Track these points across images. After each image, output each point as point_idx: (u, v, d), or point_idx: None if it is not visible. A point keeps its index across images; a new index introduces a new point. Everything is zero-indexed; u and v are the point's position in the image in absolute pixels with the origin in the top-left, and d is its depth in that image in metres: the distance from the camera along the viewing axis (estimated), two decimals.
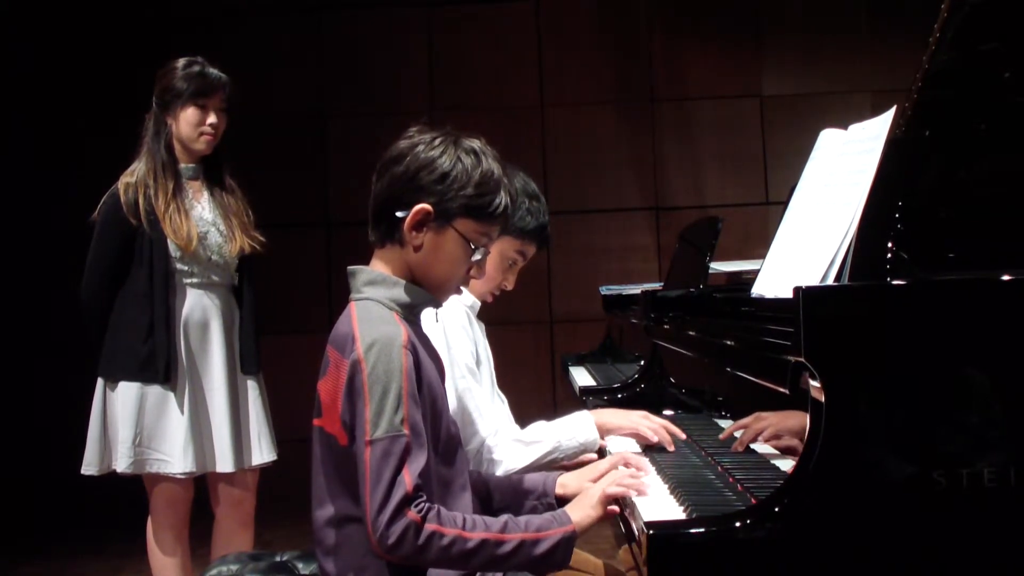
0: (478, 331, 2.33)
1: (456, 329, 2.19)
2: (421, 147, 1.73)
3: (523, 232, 2.26)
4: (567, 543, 1.63)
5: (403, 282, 1.74)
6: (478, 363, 2.26)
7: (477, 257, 1.76)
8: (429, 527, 1.57)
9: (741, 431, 1.82)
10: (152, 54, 3.42)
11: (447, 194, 1.71)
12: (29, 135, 5.82)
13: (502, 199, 1.75)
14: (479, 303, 2.36)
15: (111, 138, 3.40)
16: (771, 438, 1.72)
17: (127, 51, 5.64)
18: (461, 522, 1.60)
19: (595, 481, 1.82)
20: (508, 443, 2.16)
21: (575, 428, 2.18)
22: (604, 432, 2.18)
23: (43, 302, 5.51)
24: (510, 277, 2.35)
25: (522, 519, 1.65)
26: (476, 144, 1.76)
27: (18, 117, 5.79)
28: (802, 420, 1.44)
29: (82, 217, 3.04)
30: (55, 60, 5.88)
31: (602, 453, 2.16)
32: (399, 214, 1.72)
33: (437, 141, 1.73)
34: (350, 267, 1.78)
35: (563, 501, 1.81)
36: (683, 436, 2.06)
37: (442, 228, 1.73)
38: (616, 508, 1.68)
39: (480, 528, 1.61)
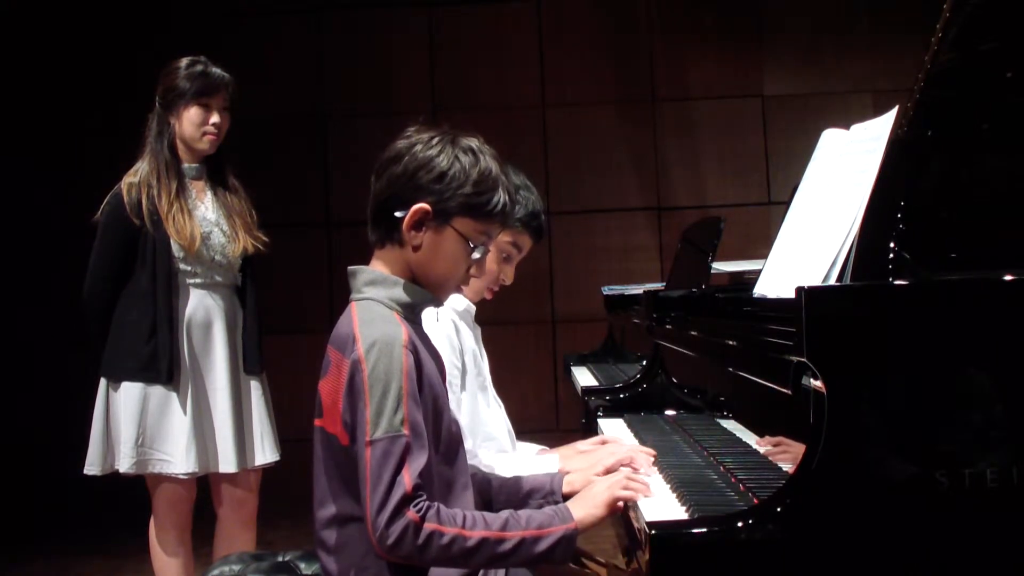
0: (469, 337, 2.29)
1: (440, 340, 2.14)
2: (419, 146, 1.73)
3: (514, 222, 2.20)
4: (568, 541, 1.63)
5: (403, 282, 1.74)
6: (464, 373, 2.22)
7: (477, 256, 1.76)
8: (428, 526, 1.57)
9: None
10: (152, 54, 3.42)
11: (445, 193, 1.71)
12: (29, 135, 5.81)
13: (500, 197, 1.74)
14: (474, 307, 2.32)
15: (111, 138, 3.40)
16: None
17: (127, 51, 5.65)
18: (461, 520, 1.60)
19: (600, 475, 1.83)
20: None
21: (537, 471, 2.08)
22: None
23: (44, 302, 5.51)
24: (507, 271, 2.30)
25: (523, 515, 1.65)
26: (474, 143, 1.75)
27: (18, 117, 5.79)
28: None
29: (83, 217, 3.04)
30: (55, 60, 5.87)
31: None
32: (398, 214, 1.72)
33: (435, 140, 1.73)
34: (350, 267, 1.79)
35: (570, 499, 1.81)
36: (653, 454, 1.96)
37: (441, 227, 1.73)
38: (621, 505, 1.68)
39: (480, 526, 1.61)
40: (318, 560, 1.78)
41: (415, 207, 1.71)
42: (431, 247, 1.73)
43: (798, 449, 1.53)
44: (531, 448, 2.34)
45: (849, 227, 1.62)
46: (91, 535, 5.08)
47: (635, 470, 1.84)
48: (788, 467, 1.60)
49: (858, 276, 1.56)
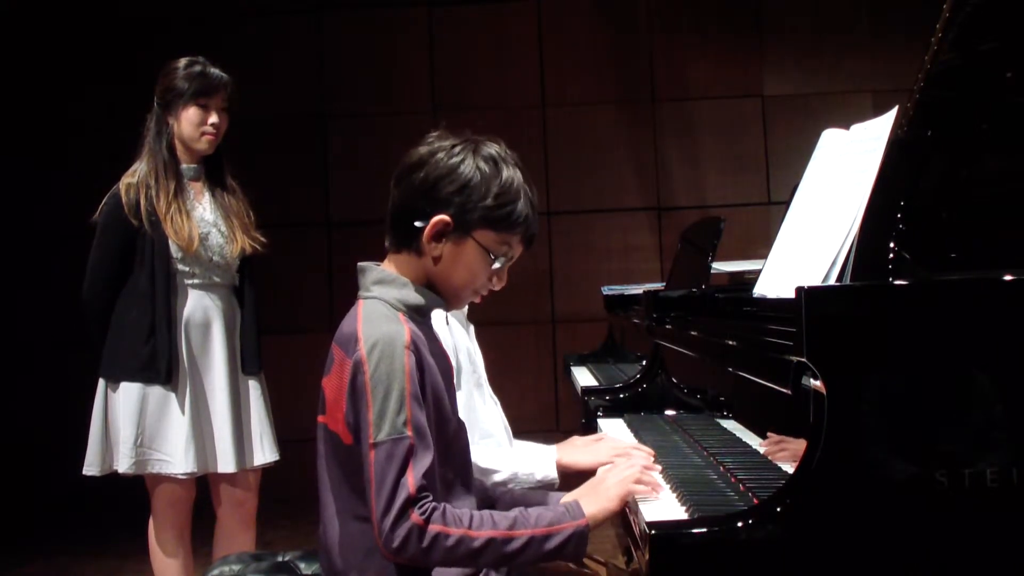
0: (462, 335, 2.29)
1: None
2: (441, 155, 1.71)
3: None
4: (580, 537, 1.62)
5: (412, 283, 1.73)
6: (459, 372, 2.23)
7: (497, 265, 1.75)
8: (433, 528, 1.56)
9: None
10: (152, 54, 3.42)
11: (467, 205, 1.69)
12: (28, 135, 5.81)
13: (522, 208, 1.72)
14: (465, 305, 2.34)
15: (110, 138, 3.40)
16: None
17: (127, 51, 5.65)
18: (467, 521, 1.59)
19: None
20: None
21: (535, 464, 2.13)
22: (568, 470, 2.10)
23: (43, 302, 5.51)
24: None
25: (533, 513, 1.63)
26: (497, 151, 1.73)
27: (17, 117, 5.79)
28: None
29: (82, 217, 3.04)
30: (55, 60, 5.87)
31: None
32: (418, 224, 1.70)
33: (457, 149, 1.71)
34: (360, 263, 1.77)
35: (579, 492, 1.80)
36: (652, 453, 1.96)
37: (461, 239, 1.71)
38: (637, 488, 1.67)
39: (487, 526, 1.60)
40: (318, 560, 1.78)
41: (436, 218, 1.69)
42: (451, 258, 1.72)
43: (798, 448, 1.54)
44: (528, 446, 2.34)
45: (849, 227, 1.62)
46: (91, 535, 5.09)
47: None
48: (788, 467, 1.60)
49: (858, 276, 1.56)
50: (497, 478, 2.12)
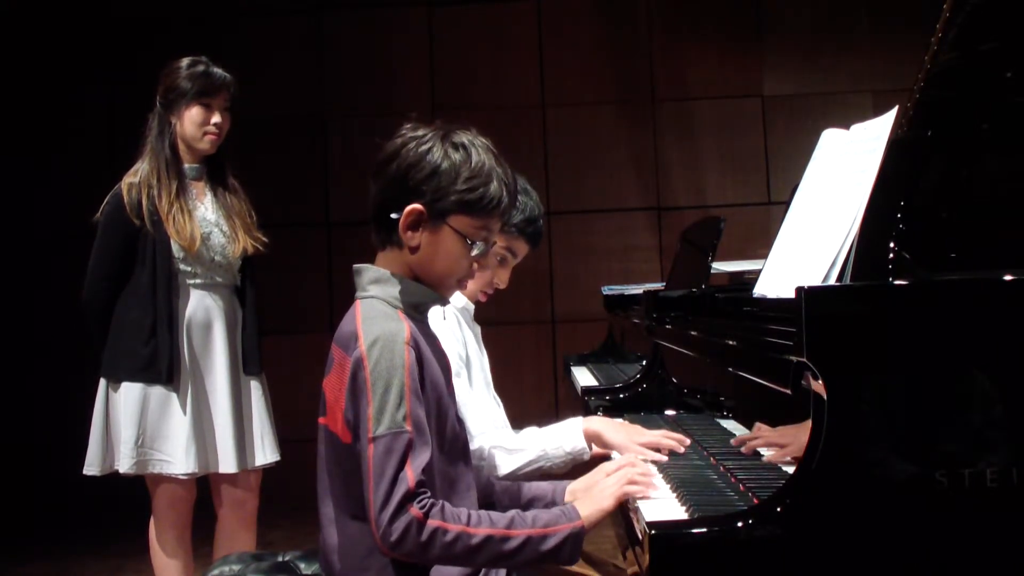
0: (469, 334, 2.30)
1: (444, 334, 2.14)
2: (411, 145, 1.72)
3: (510, 227, 2.22)
4: (575, 539, 1.62)
5: (407, 280, 1.74)
6: (468, 365, 2.22)
7: (476, 252, 1.76)
8: (432, 523, 1.57)
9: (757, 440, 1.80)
10: (153, 54, 3.42)
11: (438, 192, 1.69)
12: (28, 135, 5.81)
13: (496, 191, 1.72)
14: (473, 305, 2.33)
15: (111, 138, 3.40)
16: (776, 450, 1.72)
17: (128, 51, 5.65)
18: (466, 518, 1.60)
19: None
20: (490, 450, 2.09)
21: (562, 437, 2.10)
22: (597, 443, 2.09)
23: (43, 302, 5.51)
24: (501, 274, 2.30)
25: (530, 514, 1.64)
26: (465, 137, 1.73)
27: (18, 117, 5.79)
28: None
29: (83, 217, 3.04)
30: (55, 60, 5.87)
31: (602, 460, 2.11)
32: (393, 216, 1.71)
33: (426, 138, 1.72)
34: (356, 265, 1.78)
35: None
36: (687, 440, 2.00)
37: (437, 226, 1.71)
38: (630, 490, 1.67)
39: (485, 524, 1.60)
40: (318, 560, 1.78)
41: (409, 208, 1.70)
42: (429, 247, 1.72)
43: (798, 448, 1.54)
44: (574, 422, 2.30)
45: (849, 227, 1.62)
46: (91, 535, 5.08)
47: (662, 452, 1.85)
48: (788, 467, 1.60)
49: (858, 276, 1.56)
50: (525, 458, 2.09)
